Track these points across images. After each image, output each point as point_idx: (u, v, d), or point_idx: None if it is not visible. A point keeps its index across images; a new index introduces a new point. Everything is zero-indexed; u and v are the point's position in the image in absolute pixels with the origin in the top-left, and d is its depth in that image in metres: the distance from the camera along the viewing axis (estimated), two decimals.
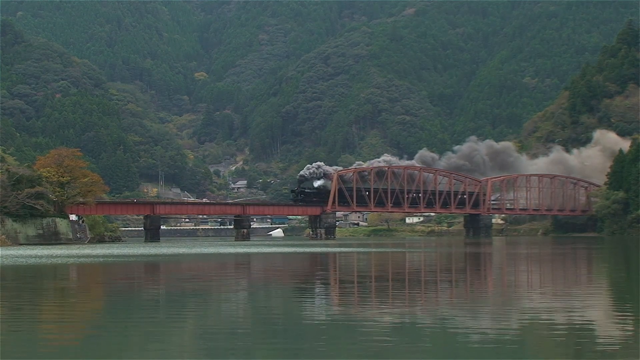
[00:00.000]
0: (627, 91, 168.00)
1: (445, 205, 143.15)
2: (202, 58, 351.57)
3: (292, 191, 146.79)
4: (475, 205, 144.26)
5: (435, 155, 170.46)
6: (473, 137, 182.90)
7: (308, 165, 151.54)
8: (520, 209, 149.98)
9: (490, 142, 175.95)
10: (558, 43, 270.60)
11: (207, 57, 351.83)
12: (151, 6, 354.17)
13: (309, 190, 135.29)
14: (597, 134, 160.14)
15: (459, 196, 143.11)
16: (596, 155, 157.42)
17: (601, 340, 16.45)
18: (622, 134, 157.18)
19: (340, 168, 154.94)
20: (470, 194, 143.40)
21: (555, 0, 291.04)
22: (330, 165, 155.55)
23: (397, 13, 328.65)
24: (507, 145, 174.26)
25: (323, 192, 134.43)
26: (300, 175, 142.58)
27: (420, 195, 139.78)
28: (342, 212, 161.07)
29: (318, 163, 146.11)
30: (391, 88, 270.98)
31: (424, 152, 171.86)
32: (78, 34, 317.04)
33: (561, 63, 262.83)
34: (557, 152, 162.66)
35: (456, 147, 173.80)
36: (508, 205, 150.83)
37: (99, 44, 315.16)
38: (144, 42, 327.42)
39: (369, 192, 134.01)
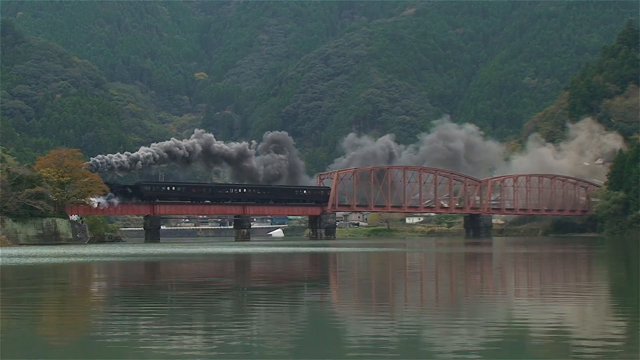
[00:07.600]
0: (627, 91, 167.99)
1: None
2: (202, 58, 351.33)
3: (106, 183, 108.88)
4: (318, 202, 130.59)
5: (401, 146, 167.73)
6: (447, 116, 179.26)
7: (118, 154, 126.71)
8: (520, 209, 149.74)
9: (452, 126, 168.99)
10: (558, 43, 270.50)
11: (207, 57, 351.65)
12: (151, 6, 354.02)
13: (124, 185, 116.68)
14: (580, 126, 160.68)
15: (303, 191, 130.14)
16: (575, 152, 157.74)
17: (601, 340, 16.45)
18: (622, 134, 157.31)
19: (302, 163, 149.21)
20: (316, 190, 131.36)
21: (555, 0, 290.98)
22: (331, 164, 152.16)
23: (397, 13, 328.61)
24: (471, 132, 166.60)
25: (139, 188, 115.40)
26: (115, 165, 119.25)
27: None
28: (342, 212, 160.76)
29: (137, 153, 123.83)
30: (391, 88, 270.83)
31: (388, 140, 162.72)
32: (78, 34, 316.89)
33: (561, 63, 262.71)
34: (536, 146, 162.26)
35: (422, 135, 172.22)
36: (508, 205, 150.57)
37: (99, 44, 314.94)
38: (144, 42, 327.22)
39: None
